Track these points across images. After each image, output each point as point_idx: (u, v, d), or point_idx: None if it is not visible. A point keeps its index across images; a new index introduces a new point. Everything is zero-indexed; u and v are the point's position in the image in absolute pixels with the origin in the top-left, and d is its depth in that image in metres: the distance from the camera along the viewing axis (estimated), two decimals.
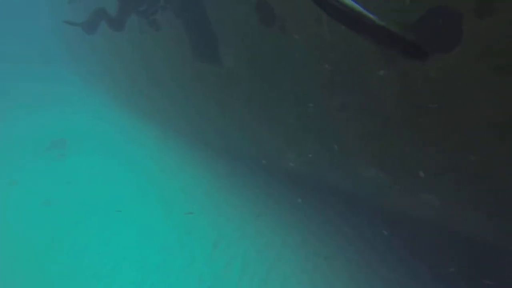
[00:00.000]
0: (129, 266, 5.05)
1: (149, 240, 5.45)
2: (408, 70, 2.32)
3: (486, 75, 1.96)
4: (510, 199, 2.41)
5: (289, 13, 2.99)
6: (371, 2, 2.09)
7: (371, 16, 1.77)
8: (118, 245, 5.38)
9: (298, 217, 5.56)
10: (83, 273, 4.97)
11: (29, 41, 14.70)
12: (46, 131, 8.06)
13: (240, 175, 6.56)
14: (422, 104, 2.40)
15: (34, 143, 7.60)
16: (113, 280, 4.86)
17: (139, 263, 5.07)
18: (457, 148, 2.40)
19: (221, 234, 5.51)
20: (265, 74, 3.75)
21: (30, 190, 6.25)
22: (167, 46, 5.25)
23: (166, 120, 7.33)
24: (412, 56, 2.18)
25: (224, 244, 5.34)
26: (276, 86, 3.72)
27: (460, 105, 2.20)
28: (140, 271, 4.95)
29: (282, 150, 4.63)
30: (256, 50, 3.65)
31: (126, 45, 6.42)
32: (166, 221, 5.79)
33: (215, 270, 4.91)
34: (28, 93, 10.49)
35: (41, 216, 5.81)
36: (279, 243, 5.25)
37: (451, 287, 3.93)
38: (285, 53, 3.25)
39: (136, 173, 6.68)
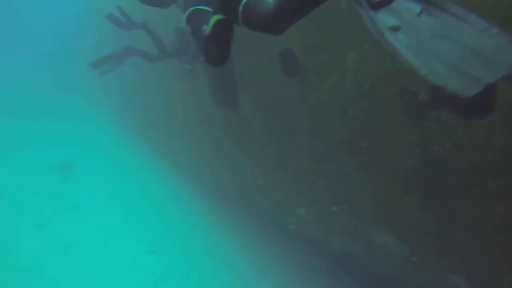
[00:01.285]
0: None
1: None
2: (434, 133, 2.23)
3: None
4: None
5: (312, 64, 2.99)
6: None
7: None
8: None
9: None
10: None
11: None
12: (56, 153, 8.05)
13: (242, 225, 6.27)
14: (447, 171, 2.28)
15: (41, 163, 7.55)
16: None
17: None
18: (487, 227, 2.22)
19: None
20: (282, 125, 3.71)
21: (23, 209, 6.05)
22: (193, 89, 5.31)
23: (172, 156, 7.27)
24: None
25: None
26: (292, 138, 3.66)
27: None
28: None
29: (290, 205, 4.46)
30: (275, 99, 3.66)
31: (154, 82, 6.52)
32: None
33: None
34: (45, 114, 10.68)
35: (34, 240, 5.59)
36: None
37: None
38: (305, 104, 3.23)
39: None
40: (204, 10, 2.52)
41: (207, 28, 2.23)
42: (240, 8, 2.04)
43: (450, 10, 1.47)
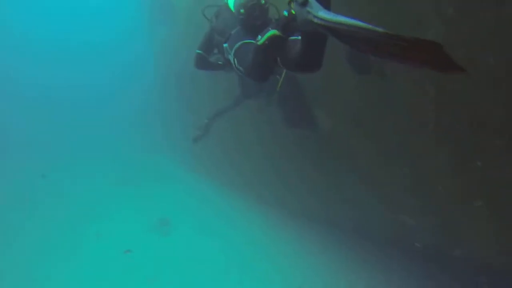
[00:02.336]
0: None
1: None
2: None
3: None
4: None
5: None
6: None
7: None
8: None
9: None
10: None
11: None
12: (151, 209, 8.61)
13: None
14: None
15: (142, 220, 8.12)
16: None
17: None
18: None
19: None
20: (368, 129, 3.58)
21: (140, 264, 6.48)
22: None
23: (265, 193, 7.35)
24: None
25: None
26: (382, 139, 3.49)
27: None
28: None
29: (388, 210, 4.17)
30: (357, 104, 3.56)
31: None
32: None
33: None
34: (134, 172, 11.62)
35: None
36: None
37: None
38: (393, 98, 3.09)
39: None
40: (249, 43, 2.87)
41: (260, 39, 2.48)
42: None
43: None
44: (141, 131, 14.92)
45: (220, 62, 3.96)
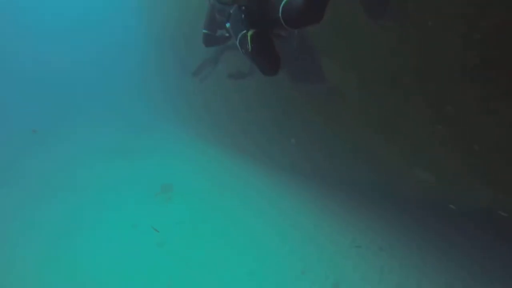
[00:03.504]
0: None
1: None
2: None
3: None
4: None
5: None
6: None
7: None
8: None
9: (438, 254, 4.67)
10: None
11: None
12: (154, 177, 8.53)
13: (338, 200, 6.07)
14: None
15: (146, 188, 8.08)
16: None
17: None
18: None
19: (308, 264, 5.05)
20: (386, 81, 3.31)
21: (147, 233, 6.45)
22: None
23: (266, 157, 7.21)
24: None
25: (345, 285, 4.69)
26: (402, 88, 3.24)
27: None
28: None
29: (406, 166, 4.00)
30: (371, 53, 3.27)
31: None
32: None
33: None
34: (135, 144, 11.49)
35: (157, 257, 5.92)
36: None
37: None
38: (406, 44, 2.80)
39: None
40: None
41: (249, 46, 2.46)
42: (280, 15, 2.21)
43: None
44: (140, 97, 14.75)
45: (227, 34, 3.85)
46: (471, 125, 2.82)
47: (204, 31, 3.83)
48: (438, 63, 2.70)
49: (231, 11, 2.97)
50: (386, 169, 4.39)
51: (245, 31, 2.57)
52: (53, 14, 22.21)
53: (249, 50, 2.47)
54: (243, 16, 2.48)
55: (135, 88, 15.61)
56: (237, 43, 2.81)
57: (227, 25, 3.06)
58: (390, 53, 3.03)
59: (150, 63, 12.50)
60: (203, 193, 7.55)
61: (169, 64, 9.95)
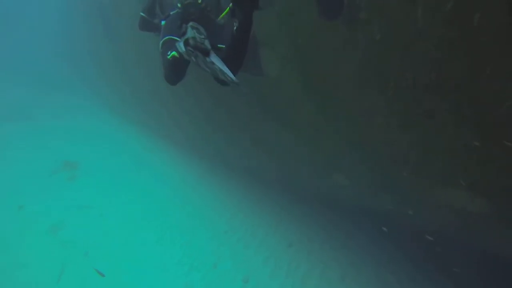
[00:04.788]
0: None
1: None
2: None
3: None
4: None
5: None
6: None
7: None
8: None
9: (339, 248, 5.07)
10: None
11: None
12: (58, 154, 7.60)
13: (269, 200, 6.07)
14: None
15: (45, 166, 7.08)
16: None
17: None
18: None
19: (250, 268, 4.95)
20: (319, 80, 3.32)
21: (39, 214, 5.63)
22: None
23: (187, 141, 6.91)
24: None
25: (255, 280, 4.76)
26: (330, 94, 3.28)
27: None
28: None
29: (327, 171, 4.14)
30: (308, 52, 3.24)
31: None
32: (185, 252, 5.22)
33: None
34: (42, 115, 10.15)
35: (50, 242, 5.20)
36: (316, 276, 4.76)
37: None
38: (349, 51, 2.83)
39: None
40: (174, 39, 2.91)
41: (169, 55, 2.77)
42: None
43: None
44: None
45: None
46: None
47: (142, 13, 3.79)
48: (377, 74, 2.78)
49: (171, 13, 3.17)
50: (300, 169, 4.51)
51: (178, 40, 2.64)
52: None
53: (166, 57, 2.75)
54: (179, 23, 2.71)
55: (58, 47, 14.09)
56: (160, 42, 3.02)
57: (162, 22, 3.21)
58: (333, 52, 3.03)
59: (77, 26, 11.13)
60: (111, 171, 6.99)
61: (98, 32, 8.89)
